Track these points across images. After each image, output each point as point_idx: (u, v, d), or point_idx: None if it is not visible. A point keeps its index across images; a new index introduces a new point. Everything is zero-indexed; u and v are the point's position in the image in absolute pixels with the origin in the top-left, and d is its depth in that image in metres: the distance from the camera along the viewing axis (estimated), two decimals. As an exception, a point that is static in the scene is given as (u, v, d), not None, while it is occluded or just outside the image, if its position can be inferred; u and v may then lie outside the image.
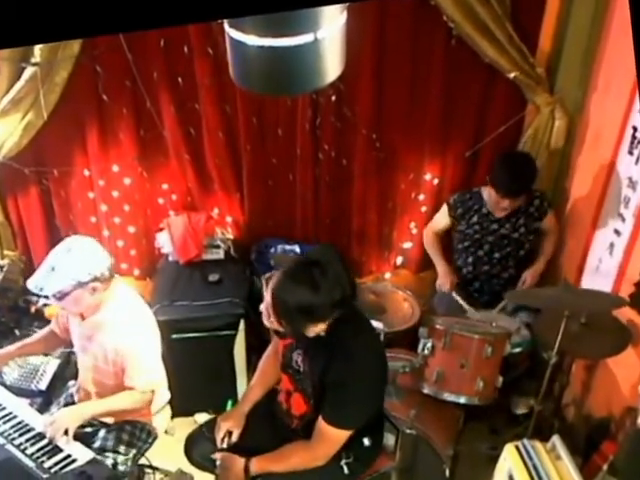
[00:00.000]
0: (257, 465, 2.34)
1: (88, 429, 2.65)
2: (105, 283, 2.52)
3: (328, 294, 2.05)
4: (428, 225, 3.68)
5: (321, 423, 2.24)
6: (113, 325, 2.56)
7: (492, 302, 3.46)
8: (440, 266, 3.56)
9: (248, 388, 2.72)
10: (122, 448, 2.65)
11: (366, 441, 2.41)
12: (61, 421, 2.47)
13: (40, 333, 2.94)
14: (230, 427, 2.50)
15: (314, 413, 2.30)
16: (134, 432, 2.73)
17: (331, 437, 2.26)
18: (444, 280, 3.50)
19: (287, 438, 2.42)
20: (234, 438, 2.49)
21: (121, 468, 2.59)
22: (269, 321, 2.19)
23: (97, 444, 2.63)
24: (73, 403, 2.79)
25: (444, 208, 3.53)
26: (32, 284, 2.46)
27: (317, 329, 2.16)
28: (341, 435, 2.25)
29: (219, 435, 2.48)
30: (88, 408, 2.62)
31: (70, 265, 2.44)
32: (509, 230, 3.44)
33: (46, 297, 2.57)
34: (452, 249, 3.65)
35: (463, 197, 3.48)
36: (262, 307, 2.20)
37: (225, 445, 2.47)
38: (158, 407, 2.83)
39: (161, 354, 2.75)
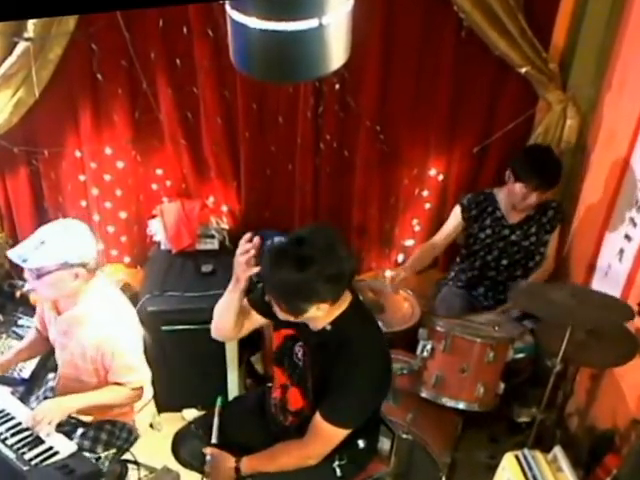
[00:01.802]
0: (248, 465, 2.28)
1: (65, 428, 2.55)
2: (89, 273, 2.44)
3: (317, 270, 1.93)
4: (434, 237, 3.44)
5: (317, 419, 2.16)
6: (92, 320, 2.48)
7: (494, 308, 3.36)
8: (409, 267, 3.26)
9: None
10: (100, 448, 2.57)
11: (361, 443, 2.34)
12: (45, 412, 2.40)
13: (28, 336, 2.87)
14: None
15: (311, 409, 2.22)
16: (114, 431, 2.66)
17: (326, 434, 2.18)
18: (401, 274, 3.15)
19: (280, 436, 2.35)
20: None
21: (100, 467, 2.50)
22: (276, 309, 2.12)
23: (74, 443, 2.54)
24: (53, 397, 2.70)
25: (456, 210, 3.38)
26: (15, 253, 2.36)
27: (320, 311, 2.05)
28: (337, 434, 2.17)
29: None
30: (74, 401, 2.54)
31: (62, 243, 2.35)
32: (520, 237, 3.36)
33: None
34: (454, 252, 3.55)
35: (477, 198, 3.37)
36: (267, 297, 2.16)
37: (216, 440, 2.37)
38: (141, 405, 2.76)
39: (149, 346, 2.68)
